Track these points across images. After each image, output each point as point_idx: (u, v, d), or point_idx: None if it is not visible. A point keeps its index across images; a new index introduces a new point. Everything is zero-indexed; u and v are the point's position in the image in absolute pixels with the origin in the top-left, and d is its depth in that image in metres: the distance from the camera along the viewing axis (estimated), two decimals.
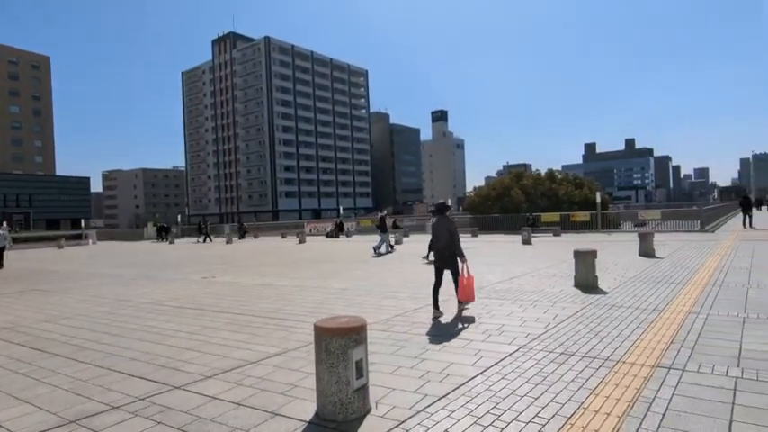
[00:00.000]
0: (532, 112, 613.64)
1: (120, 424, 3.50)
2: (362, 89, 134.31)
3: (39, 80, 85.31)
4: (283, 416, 3.53)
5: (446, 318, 6.49)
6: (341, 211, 49.20)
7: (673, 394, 3.61)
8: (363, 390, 3.48)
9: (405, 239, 24.91)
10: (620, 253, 13.55)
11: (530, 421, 3.26)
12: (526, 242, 18.88)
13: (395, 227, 31.34)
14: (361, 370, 3.44)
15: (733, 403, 3.41)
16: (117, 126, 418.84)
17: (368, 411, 3.49)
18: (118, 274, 14.46)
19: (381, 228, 18.32)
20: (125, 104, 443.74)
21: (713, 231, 21.41)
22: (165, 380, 4.42)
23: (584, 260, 8.45)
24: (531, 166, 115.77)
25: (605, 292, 7.77)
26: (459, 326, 6.02)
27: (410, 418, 3.38)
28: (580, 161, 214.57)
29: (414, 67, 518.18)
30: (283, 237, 34.81)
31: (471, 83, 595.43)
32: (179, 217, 51.69)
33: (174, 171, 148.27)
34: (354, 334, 3.41)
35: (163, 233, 39.83)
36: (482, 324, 6.06)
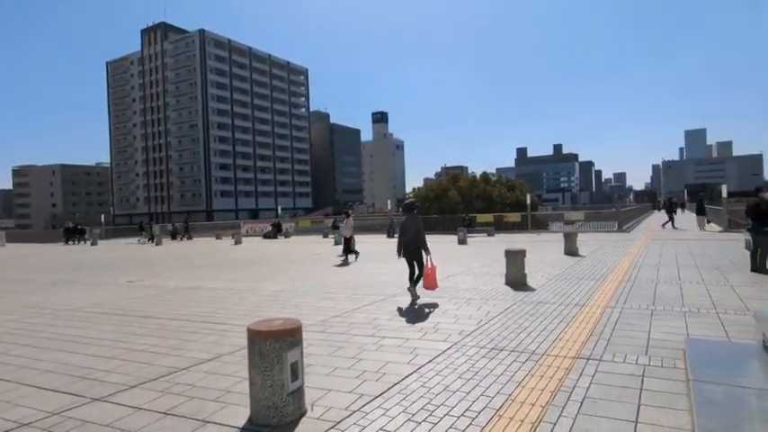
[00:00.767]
0: (469, 116, 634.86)
1: None
2: (302, 88, 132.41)
3: None
4: (215, 423, 3.41)
5: (387, 315, 6.56)
6: (279, 212, 48.16)
7: (590, 383, 3.89)
8: (299, 392, 3.45)
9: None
10: (548, 252, 14.37)
11: (461, 415, 3.38)
12: (462, 242, 19.50)
13: (334, 227, 31.19)
14: (296, 372, 3.41)
15: (641, 389, 3.73)
16: (29, 118, 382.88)
17: (303, 414, 3.46)
18: (31, 279, 13.25)
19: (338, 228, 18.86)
20: (39, 94, 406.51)
21: (629, 231, 23.27)
22: (83, 392, 4.12)
23: (515, 259, 8.88)
24: (467, 168, 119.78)
25: (533, 289, 8.21)
26: (397, 325, 6.11)
27: (346, 418, 3.39)
28: (513, 164, 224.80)
29: (354, 69, 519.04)
30: (218, 238, 33.54)
31: (411, 85, 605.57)
32: (102, 217, 48.25)
33: (97, 168, 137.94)
34: (289, 336, 3.37)
35: (75, 235, 35.41)
36: (418, 322, 6.19)
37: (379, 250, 18.27)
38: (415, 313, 6.74)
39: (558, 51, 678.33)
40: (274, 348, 3.29)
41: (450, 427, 3.20)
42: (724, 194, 22.68)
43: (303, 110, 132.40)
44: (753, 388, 3.32)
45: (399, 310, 7.03)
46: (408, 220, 8.00)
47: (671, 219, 24.55)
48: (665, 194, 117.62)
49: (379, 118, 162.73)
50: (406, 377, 4.16)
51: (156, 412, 3.63)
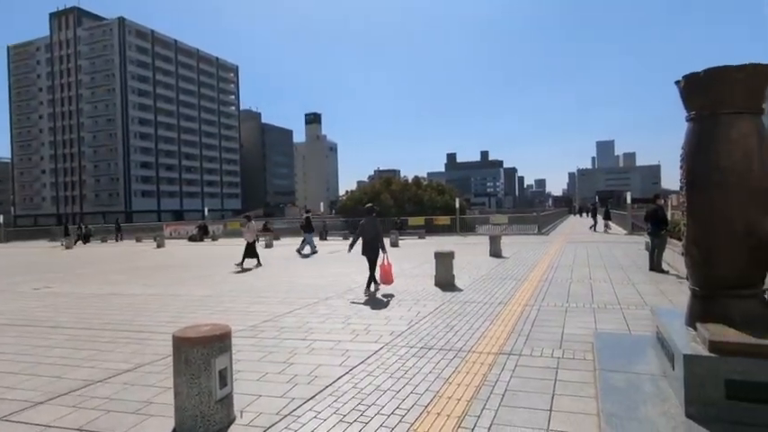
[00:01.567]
0: (403, 121, 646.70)
1: None
2: (232, 85, 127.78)
3: None
4: None
5: (319, 318, 6.54)
6: (206, 213, 46.07)
7: (511, 377, 4.15)
8: (227, 399, 3.37)
9: (275, 243, 24.32)
10: (475, 253, 15.02)
11: (391, 413, 3.48)
12: (394, 244, 19.83)
13: (265, 230, 30.43)
14: (225, 379, 3.33)
15: (555, 380, 4.05)
16: None
17: (232, 421, 3.38)
18: None
19: (306, 228, 17.84)
20: None
21: (547, 234, 24.89)
22: None
23: (444, 261, 9.21)
24: (400, 171, 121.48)
25: (461, 290, 8.56)
26: (329, 327, 6.12)
27: (276, 423, 3.37)
28: (443, 169, 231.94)
29: (287, 69, 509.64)
30: (138, 240, 31.45)
31: (346, 88, 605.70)
32: (1, 217, 43.39)
33: None
34: (218, 342, 3.29)
35: None
36: (350, 324, 6.25)
37: (312, 253, 18.08)
38: (347, 316, 6.79)
39: (486, 60, 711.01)
40: (202, 355, 3.19)
41: (380, 426, 3.28)
42: (628, 201, 24.99)
43: (233, 108, 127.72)
44: (647, 374, 3.73)
45: (332, 312, 7.04)
46: (367, 222, 8.91)
47: (595, 222, 26.65)
48: (579, 199, 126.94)
49: (313, 119, 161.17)
50: (338, 379, 4.20)
51: (69, 429, 3.38)
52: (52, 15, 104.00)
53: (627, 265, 11.44)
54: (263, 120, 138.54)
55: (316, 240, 25.92)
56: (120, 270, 14.15)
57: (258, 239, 14.24)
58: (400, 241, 20.62)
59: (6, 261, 19.68)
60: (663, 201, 10.46)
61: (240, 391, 3.83)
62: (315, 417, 3.45)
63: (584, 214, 56.96)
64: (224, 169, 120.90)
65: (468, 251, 15.97)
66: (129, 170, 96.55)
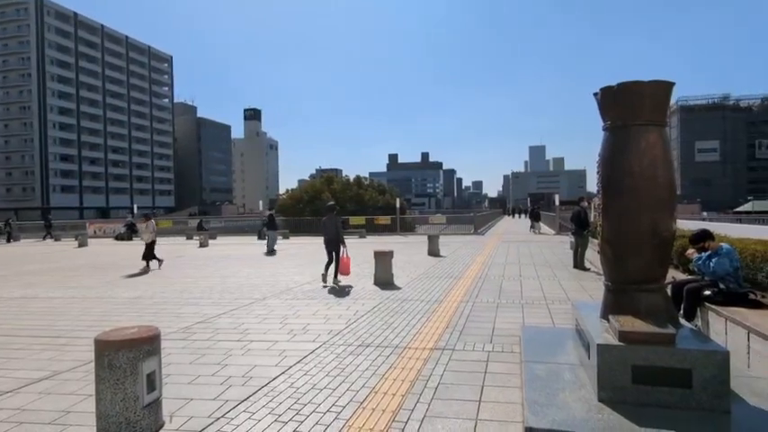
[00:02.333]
0: (346, 120, 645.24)
1: None
2: (166, 76, 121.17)
3: None
4: None
5: (256, 319, 6.41)
6: (135, 211, 43.47)
7: (444, 371, 4.31)
8: (155, 404, 3.24)
9: (211, 242, 23.43)
10: (413, 253, 15.33)
11: (327, 411, 3.50)
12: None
13: (200, 228, 29.27)
14: (153, 383, 3.20)
15: (485, 372, 4.25)
16: None
17: (161, 426, 3.26)
18: None
19: (270, 226, 18.30)
20: None
21: (483, 234, 25.88)
22: None
23: (383, 260, 9.34)
24: (341, 171, 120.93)
25: (399, 288, 8.73)
26: (266, 327, 6.02)
27: (208, 426, 3.29)
28: (385, 169, 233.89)
29: (226, 63, 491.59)
30: (56, 240, 29.09)
31: (288, 85, 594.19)
32: None
33: None
34: (146, 345, 3.15)
35: None
36: (288, 324, 6.18)
37: (250, 252, 17.63)
38: (285, 316, 6.71)
39: (428, 64, 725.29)
40: (128, 359, 3.05)
41: (316, 424, 3.30)
42: (557, 203, 26.53)
43: (166, 100, 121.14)
44: (567, 364, 4.02)
45: (269, 313, 6.93)
46: (329, 219, 9.68)
47: (531, 224, 27.95)
48: (513, 201, 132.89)
49: (252, 115, 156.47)
50: (274, 379, 4.16)
51: None
52: None
53: (554, 263, 12.16)
54: (200, 114, 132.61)
55: (255, 240, 25.30)
56: (36, 271, 13.04)
57: (154, 241, 13.12)
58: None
59: None
60: (587, 203, 11.24)
61: (170, 396, 3.70)
62: (249, 418, 3.40)
63: (518, 215, 59.73)
64: (156, 165, 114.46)
65: (408, 250, 16.26)
66: (46, 163, 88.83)
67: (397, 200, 29.68)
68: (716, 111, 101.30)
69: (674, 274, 6.12)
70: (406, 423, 3.27)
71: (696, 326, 4.98)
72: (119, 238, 28.40)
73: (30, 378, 4.33)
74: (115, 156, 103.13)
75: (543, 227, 28.26)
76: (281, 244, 20.97)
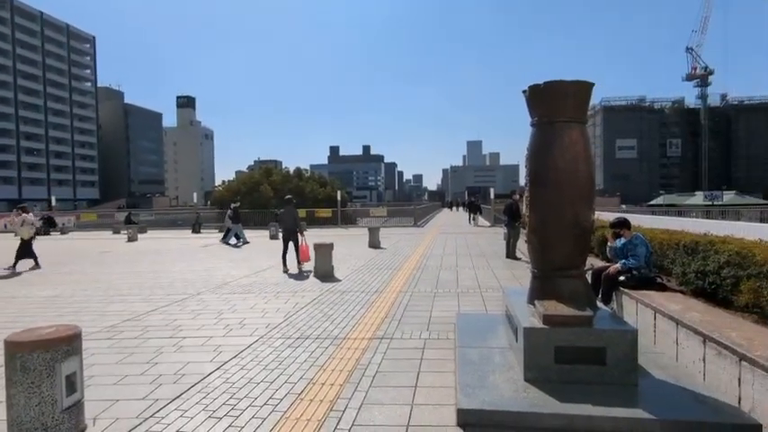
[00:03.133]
0: (286, 110, 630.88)
1: None
2: (88, 58, 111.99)
3: None
4: None
5: (190, 315, 6.17)
6: (53, 203, 40.14)
7: (382, 359, 4.40)
8: (77, 407, 3.05)
9: (141, 236, 22.16)
10: (355, 245, 15.38)
11: (264, 404, 3.47)
12: (274, 237, 19.36)
13: (128, 222, 27.60)
14: (73, 385, 3.01)
15: (421, 359, 4.39)
16: None
17: (83, 430, 3.08)
18: None
19: (234, 219, 17.94)
20: None
21: (422, 226, 26.43)
22: None
23: (323, 252, 9.30)
24: (282, 162, 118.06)
25: (339, 280, 8.74)
26: (200, 323, 5.82)
27: (136, 426, 3.15)
28: (326, 162, 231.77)
29: (157, 47, 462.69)
30: None
31: (226, 73, 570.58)
32: None
33: None
34: (64, 345, 2.95)
35: None
36: (224, 319, 6.02)
37: (184, 247, 16.87)
38: (221, 311, 6.52)
39: (370, 57, 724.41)
40: (43, 360, 2.84)
41: (252, 417, 3.26)
42: (492, 196, 27.61)
43: (88, 84, 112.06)
44: (498, 347, 4.24)
45: (204, 308, 6.69)
46: (287, 210, 10.42)
47: (472, 216, 28.74)
48: (452, 194, 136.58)
49: (186, 102, 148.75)
50: (208, 375, 4.04)
51: None
52: None
53: (488, 253, 12.68)
54: (128, 100, 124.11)
55: (189, 234, 24.22)
56: None
57: (35, 236, 11.90)
58: (280, 234, 20.15)
59: None
60: (518, 196, 11.78)
61: (94, 398, 3.50)
62: (181, 416, 3.29)
63: (456, 208, 61.50)
64: (77, 153, 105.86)
65: (349, 243, 16.28)
66: None
67: (338, 192, 29.56)
68: (634, 111, 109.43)
69: (593, 262, 6.59)
70: (344, 411, 3.31)
71: (612, 308, 5.40)
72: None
73: None
74: (29, 143, 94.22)
75: (480, 219, 29.29)
76: (216, 237, 20.25)
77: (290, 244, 10.27)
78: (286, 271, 9.90)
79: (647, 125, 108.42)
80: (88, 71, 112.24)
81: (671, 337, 4.11)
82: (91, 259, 12.56)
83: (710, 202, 57.01)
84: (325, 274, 9.10)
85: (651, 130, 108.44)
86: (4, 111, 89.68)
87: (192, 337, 5.23)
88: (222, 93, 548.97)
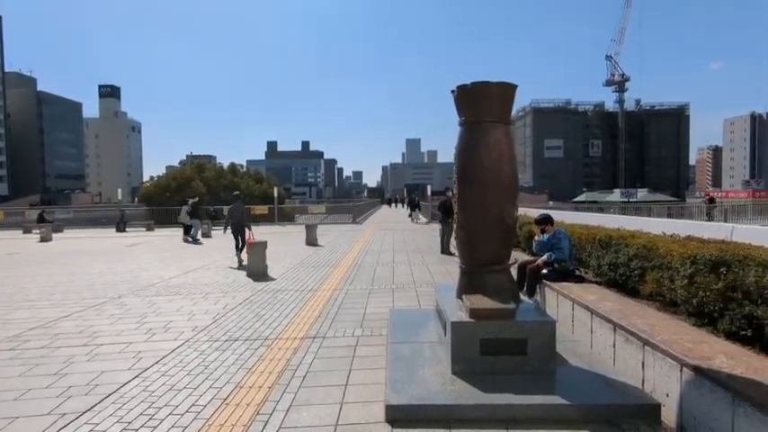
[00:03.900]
0: (222, 104, 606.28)
1: None
2: None
3: None
4: None
5: (108, 320, 5.74)
6: None
7: (314, 359, 4.33)
8: None
9: (57, 236, 20.40)
10: (291, 243, 15.10)
11: (186, 411, 3.30)
12: (206, 235, 18.61)
13: (41, 221, 25.33)
14: None
15: (354, 356, 4.38)
16: None
17: None
18: None
19: (193, 215, 17.58)
20: None
21: (361, 223, 26.48)
22: None
23: (256, 251, 9.03)
24: (216, 158, 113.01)
25: (274, 279, 8.53)
26: (119, 329, 5.44)
27: None
28: (263, 157, 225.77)
29: (77, 32, 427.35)
30: None
31: (157, 62, 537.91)
32: None
33: None
34: None
35: None
36: (146, 323, 5.67)
37: (106, 247, 15.73)
38: (143, 314, 6.14)
39: (308, 52, 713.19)
40: None
41: (172, 426, 3.08)
42: (428, 193, 28.18)
43: None
44: (428, 342, 4.32)
45: (125, 312, 6.27)
46: (235, 206, 11.10)
47: (412, 213, 29.02)
48: (391, 191, 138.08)
49: (109, 92, 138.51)
50: (125, 384, 3.79)
51: None
52: None
53: (424, 249, 12.94)
54: (41, 88, 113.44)
55: (113, 233, 22.61)
56: None
57: None
58: (214, 231, 19.39)
59: None
60: (452, 193, 12.09)
61: None
62: (91, 430, 3.06)
63: (395, 205, 62.22)
64: None
65: (285, 240, 15.96)
66: None
67: (275, 189, 28.89)
68: (560, 113, 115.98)
69: (521, 256, 6.91)
70: (271, 414, 3.23)
71: (536, 300, 5.69)
72: None
73: None
74: None
75: (420, 216, 29.79)
76: (144, 236, 19.12)
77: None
78: (242, 262, 10.33)
79: (573, 127, 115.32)
80: None
81: (587, 326, 4.40)
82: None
83: (626, 200, 61.87)
84: (259, 274, 8.84)
85: (576, 131, 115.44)
86: None
87: (110, 344, 4.88)
88: (153, 84, 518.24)
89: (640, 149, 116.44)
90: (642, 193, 69.65)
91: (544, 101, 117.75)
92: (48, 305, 6.78)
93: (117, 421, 3.17)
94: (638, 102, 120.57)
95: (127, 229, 23.54)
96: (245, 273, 9.08)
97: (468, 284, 4.15)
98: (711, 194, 37.76)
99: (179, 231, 19.04)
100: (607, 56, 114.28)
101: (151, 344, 4.87)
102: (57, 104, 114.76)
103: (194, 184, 31.53)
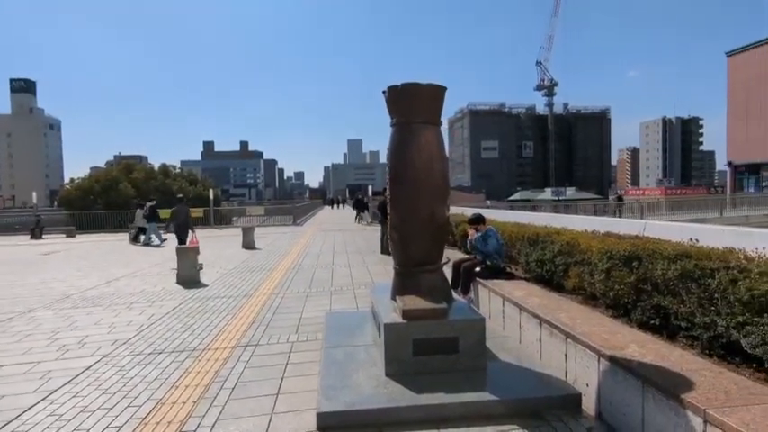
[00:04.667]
0: (155, 101, 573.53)
1: None
2: None
3: None
4: None
5: (12, 338, 5.19)
6: None
7: (244, 368, 4.16)
8: None
9: None
10: (226, 246, 14.54)
11: None
12: (134, 240, 17.49)
13: None
14: None
15: (287, 363, 4.25)
16: None
17: None
18: None
19: (150, 218, 16.73)
20: None
21: (302, 224, 26.05)
22: None
23: (186, 256, 8.59)
24: (146, 158, 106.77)
25: (206, 285, 8.15)
26: (25, 346, 4.95)
27: None
28: (199, 158, 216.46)
29: None
30: None
31: (80, 55, 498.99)
32: None
33: None
34: None
35: None
36: (59, 339, 5.20)
37: (14, 256, 14.34)
38: (57, 328, 5.63)
39: (248, 50, 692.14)
40: None
41: None
42: (370, 194, 28.24)
43: None
44: (363, 345, 4.28)
45: (34, 328, 5.72)
46: (180, 208, 11.73)
47: (358, 214, 28.72)
48: (333, 192, 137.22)
49: (23, 86, 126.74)
50: (28, 410, 3.43)
51: None
52: None
53: (365, 249, 12.91)
54: None
55: (26, 239, 20.67)
56: None
57: None
58: (142, 236, 18.23)
59: None
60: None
61: None
62: None
63: (337, 205, 61.90)
64: None
65: (220, 244, 15.36)
66: None
67: (210, 191, 27.74)
68: (496, 116, 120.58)
69: (451, 255, 7.05)
70: (195, 431, 3.04)
71: (470, 298, 5.83)
72: None
73: None
74: None
75: (367, 217, 29.67)
76: (63, 243, 17.65)
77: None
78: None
79: (507, 128, 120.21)
80: None
81: (516, 322, 4.54)
82: None
83: (557, 198, 65.47)
84: (189, 280, 8.41)
85: (510, 132, 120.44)
86: None
87: (14, 365, 4.41)
88: (76, 78, 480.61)
89: (569, 150, 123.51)
90: (570, 192, 74.01)
91: (480, 103, 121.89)
92: None
93: None
94: (565, 105, 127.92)
95: (44, 236, 21.63)
96: (174, 280, 8.60)
97: (402, 285, 4.15)
98: (620, 194, 41.26)
99: (105, 236, 17.75)
100: (537, 62, 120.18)
101: (63, 362, 4.46)
102: None
103: (121, 187, 29.56)
